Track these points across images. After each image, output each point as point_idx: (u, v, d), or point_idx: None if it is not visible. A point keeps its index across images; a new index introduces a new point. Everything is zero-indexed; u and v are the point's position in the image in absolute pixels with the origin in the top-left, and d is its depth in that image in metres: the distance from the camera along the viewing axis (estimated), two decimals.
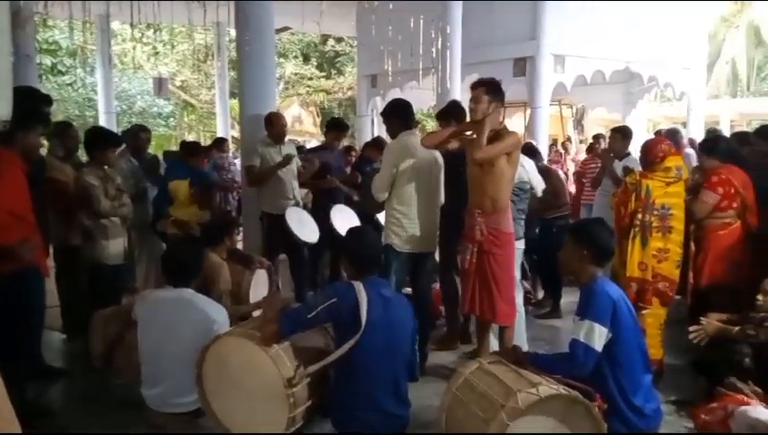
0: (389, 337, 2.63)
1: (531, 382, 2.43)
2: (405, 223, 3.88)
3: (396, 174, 3.84)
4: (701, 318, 3.27)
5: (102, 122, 10.90)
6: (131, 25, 11.66)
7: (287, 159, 4.88)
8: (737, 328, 3.14)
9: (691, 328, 3.21)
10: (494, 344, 3.79)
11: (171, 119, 20.37)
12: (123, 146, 5.07)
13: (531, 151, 4.90)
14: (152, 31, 16.72)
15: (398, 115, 4.04)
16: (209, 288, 3.32)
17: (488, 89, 3.60)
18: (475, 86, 3.65)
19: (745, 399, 2.92)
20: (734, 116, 19.70)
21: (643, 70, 9.56)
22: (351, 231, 3.03)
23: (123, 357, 3.18)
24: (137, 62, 17.71)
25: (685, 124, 11.23)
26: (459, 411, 2.57)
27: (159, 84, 12.29)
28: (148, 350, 2.88)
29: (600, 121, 16.09)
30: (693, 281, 4.15)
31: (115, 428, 3.19)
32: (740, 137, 4.92)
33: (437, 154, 4.06)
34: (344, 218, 5.01)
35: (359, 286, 2.62)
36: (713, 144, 4.32)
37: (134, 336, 2.98)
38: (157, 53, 18.22)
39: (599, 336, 2.47)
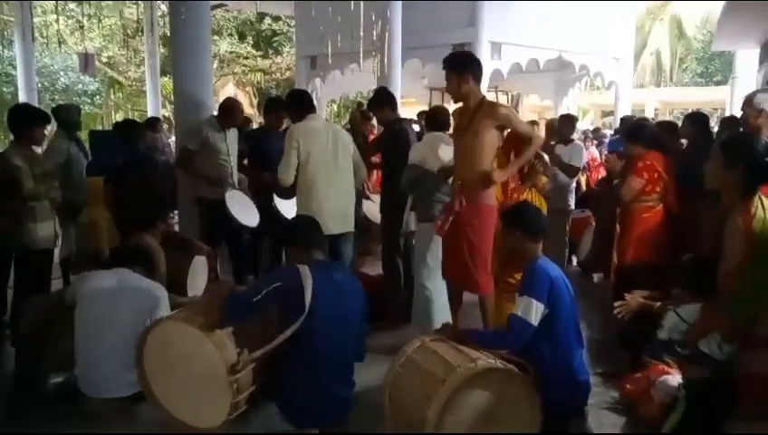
0: (337, 321, 2.65)
1: (470, 358, 2.53)
2: (313, 205, 3.86)
3: (299, 156, 3.83)
4: (625, 295, 3.47)
5: (23, 99, 10.23)
6: None
7: (219, 182, 4.65)
8: (658, 304, 3.36)
9: (616, 304, 3.40)
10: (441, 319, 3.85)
11: (97, 97, 19.39)
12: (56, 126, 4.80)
13: None
14: (75, 3, 15.81)
15: (296, 103, 4.07)
16: (151, 275, 3.23)
17: (454, 67, 3.48)
18: (444, 68, 3.53)
19: (666, 368, 3.15)
20: (658, 105, 20.80)
21: (575, 59, 9.94)
22: (290, 224, 3.05)
23: (55, 343, 3.06)
24: (60, 37, 16.68)
25: (612, 112, 11.74)
26: (402, 389, 2.65)
27: (86, 60, 11.60)
28: (86, 331, 2.80)
29: (533, 108, 16.59)
30: (617, 260, 4.39)
31: (48, 419, 3.07)
32: (668, 127, 5.20)
33: (345, 135, 4.07)
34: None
35: (304, 270, 2.62)
36: (638, 132, 4.55)
37: (65, 321, 2.88)
38: (81, 27, 17.22)
39: (535, 312, 2.59)
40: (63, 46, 17.78)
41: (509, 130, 3.59)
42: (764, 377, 2.44)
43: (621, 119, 8.66)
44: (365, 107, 6.08)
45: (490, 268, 3.65)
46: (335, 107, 20.20)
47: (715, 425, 2.53)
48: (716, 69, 25.11)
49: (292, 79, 15.78)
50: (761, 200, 2.38)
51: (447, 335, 2.81)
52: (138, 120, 7.96)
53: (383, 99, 4.57)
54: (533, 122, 8.33)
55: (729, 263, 2.36)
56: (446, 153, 3.98)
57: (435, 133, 4.27)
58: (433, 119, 4.41)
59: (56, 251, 4.63)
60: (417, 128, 5.85)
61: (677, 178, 4.17)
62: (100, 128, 16.28)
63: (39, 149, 4.53)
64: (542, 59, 9.45)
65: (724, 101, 14.82)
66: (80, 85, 18.13)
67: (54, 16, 15.71)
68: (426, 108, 11.18)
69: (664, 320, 2.74)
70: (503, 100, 13.71)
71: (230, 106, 4.88)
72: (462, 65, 3.50)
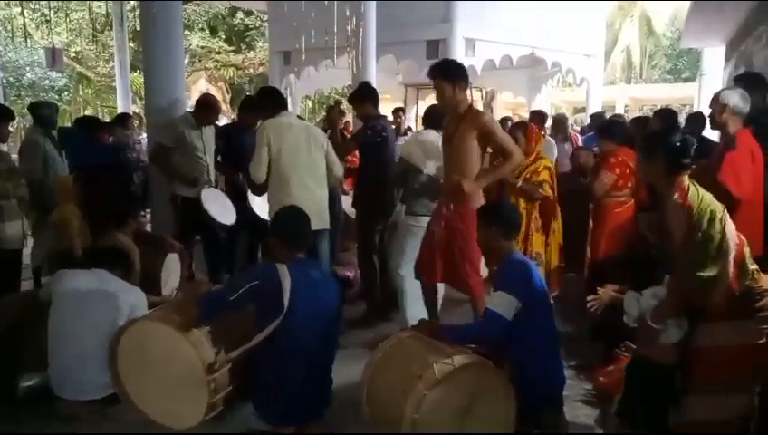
0: (314, 319, 2.64)
1: (446, 353, 2.55)
2: (286, 202, 3.74)
3: (270, 153, 3.80)
4: (598, 288, 3.53)
5: None
6: None
7: (194, 183, 4.58)
8: None
9: (589, 298, 3.45)
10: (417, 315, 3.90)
11: (65, 93, 18.97)
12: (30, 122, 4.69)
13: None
14: None
15: (267, 100, 4.01)
16: (127, 275, 3.17)
17: (443, 75, 3.44)
18: (431, 76, 3.49)
19: None
20: (629, 101, 21.14)
21: (547, 56, 10.05)
22: (281, 211, 3.00)
23: (26, 344, 3.00)
24: (25, 31, 16.23)
25: (584, 109, 11.91)
26: (379, 385, 2.66)
27: (53, 55, 11.31)
28: (60, 332, 2.74)
29: (507, 105, 16.72)
30: (590, 254, 4.47)
31: (21, 421, 2.99)
32: (640, 122, 5.30)
33: (318, 131, 4.04)
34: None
35: (282, 269, 2.60)
36: (610, 128, 4.63)
37: (41, 321, 2.82)
38: (48, 21, 16.80)
39: (509, 306, 2.62)
40: (29, 41, 17.33)
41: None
42: (716, 350, 2.53)
43: (591, 116, 8.80)
44: (343, 105, 6.06)
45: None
46: (310, 103, 20.09)
47: (659, 403, 2.61)
48: (685, 66, 25.64)
49: (266, 74, 15.63)
50: (692, 182, 2.51)
51: (424, 331, 2.82)
52: (99, 116, 7.77)
53: (365, 94, 4.55)
54: (506, 118, 8.43)
55: (677, 237, 2.46)
56: (433, 153, 4.03)
57: (426, 130, 4.29)
58: (430, 116, 4.40)
59: (26, 252, 4.54)
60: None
61: None
62: (69, 125, 15.94)
63: (5, 146, 4.42)
64: (515, 56, 9.54)
65: (693, 97, 15.13)
66: (47, 81, 17.73)
67: (19, 9, 15.31)
68: (401, 104, 11.21)
69: (625, 304, 2.79)
70: (476, 96, 13.82)
71: (208, 103, 4.82)
72: (456, 73, 3.48)
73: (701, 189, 2.50)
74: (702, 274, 2.42)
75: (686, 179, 2.50)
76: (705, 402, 2.59)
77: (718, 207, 2.47)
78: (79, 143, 5.23)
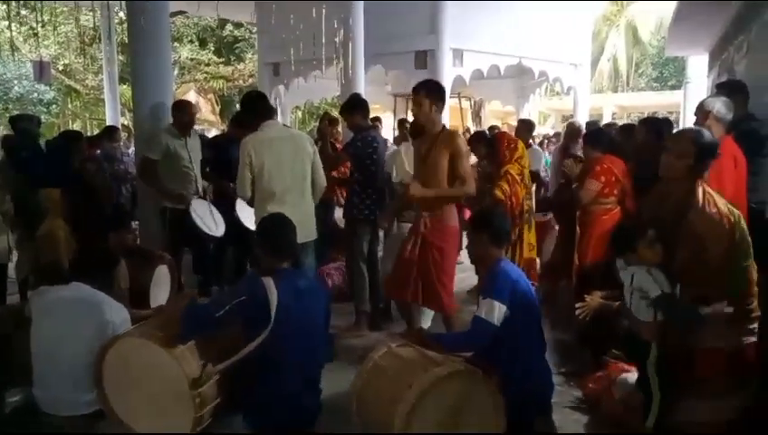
0: (302, 329, 2.63)
1: (435, 362, 2.56)
2: None
3: (253, 170, 3.77)
4: (585, 296, 3.55)
5: None
6: (5, 1, 10.60)
7: (181, 199, 4.60)
8: (617, 303, 3.44)
9: (577, 305, 3.48)
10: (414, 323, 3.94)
11: (54, 106, 18.87)
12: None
13: None
14: (29, 10, 15.35)
15: (249, 112, 4.00)
16: (110, 290, 3.15)
17: (427, 92, 3.62)
18: (415, 90, 3.67)
19: (625, 367, 3.23)
20: (616, 109, 21.34)
21: (534, 65, 10.15)
22: (265, 219, 2.99)
23: (12, 359, 2.97)
24: (12, 44, 16.18)
25: (572, 117, 12.01)
26: (369, 394, 2.66)
27: (41, 68, 11.28)
28: (43, 348, 2.71)
29: (496, 114, 16.84)
30: (578, 261, 4.49)
31: None
32: (626, 129, 5.35)
33: (303, 141, 3.98)
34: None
35: (268, 282, 2.59)
36: (596, 136, 4.68)
37: (23, 337, 2.79)
38: (36, 35, 16.74)
39: (498, 313, 2.64)
40: (17, 54, 17.26)
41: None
42: (715, 352, 2.57)
43: (586, 123, 8.86)
44: (332, 115, 6.07)
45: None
46: (300, 114, 20.11)
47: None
48: (671, 74, 25.90)
49: (255, 86, 15.64)
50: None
51: (413, 340, 2.83)
52: (88, 129, 7.72)
53: (355, 105, 4.58)
54: (494, 127, 8.49)
55: (716, 251, 2.52)
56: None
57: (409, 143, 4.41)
58: (417, 128, 4.45)
59: (11, 266, 4.50)
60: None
61: (635, 179, 4.30)
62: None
63: None
64: (502, 65, 9.62)
65: (679, 104, 15.30)
66: (35, 94, 17.60)
67: (6, 23, 15.26)
68: (390, 114, 11.26)
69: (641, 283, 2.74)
70: (465, 105, 13.91)
71: (178, 106, 4.79)
72: (437, 92, 3.66)
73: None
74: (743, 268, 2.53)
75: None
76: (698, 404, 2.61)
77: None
78: (62, 157, 5.16)
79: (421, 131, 4.18)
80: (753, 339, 2.65)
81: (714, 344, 2.57)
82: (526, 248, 4.68)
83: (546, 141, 10.60)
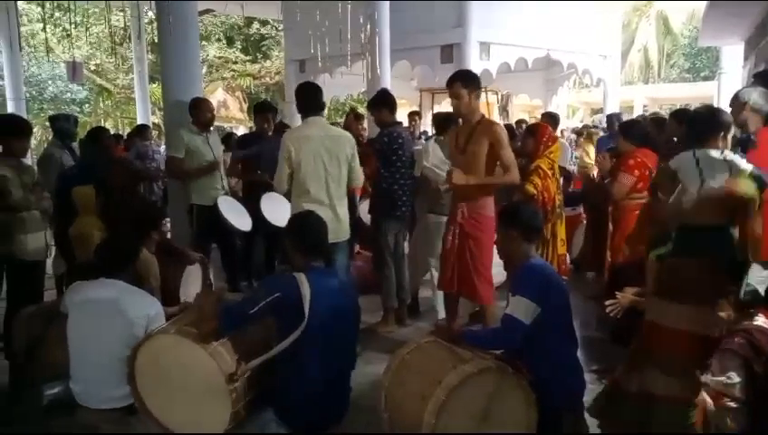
0: (334, 328, 2.62)
1: (464, 359, 2.54)
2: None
3: (291, 165, 3.81)
4: (617, 293, 3.49)
5: (11, 109, 10.19)
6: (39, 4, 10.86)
7: (211, 167, 4.79)
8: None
9: (608, 302, 3.42)
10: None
11: (86, 105, 19.31)
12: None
13: None
14: (62, 12, 15.72)
15: (299, 102, 3.97)
16: (140, 285, 3.21)
17: (464, 82, 3.60)
18: (450, 83, 3.64)
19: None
20: (647, 101, 20.92)
21: (563, 57, 9.99)
22: (296, 217, 2.99)
23: (48, 355, 3.04)
24: (47, 45, 16.59)
25: (602, 110, 11.81)
26: (398, 391, 2.65)
27: (73, 68, 11.55)
28: (78, 343, 2.77)
29: (523, 107, 16.65)
30: (610, 258, 4.42)
31: (44, 432, 3.04)
32: (657, 122, 5.23)
33: (343, 140, 3.98)
34: (275, 207, 4.93)
35: (301, 278, 2.59)
36: (629, 128, 4.58)
37: (59, 333, 2.86)
38: (68, 36, 17.13)
39: (528, 311, 2.60)
40: (51, 55, 17.71)
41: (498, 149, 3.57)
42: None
43: (607, 116, 8.72)
44: (358, 110, 6.11)
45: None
46: (326, 110, 20.20)
47: None
48: (703, 64, 25.26)
49: (282, 83, 15.76)
50: None
51: (442, 336, 2.81)
52: (119, 127, 7.87)
53: (382, 100, 4.59)
54: (521, 121, 8.40)
55: None
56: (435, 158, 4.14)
57: (436, 140, 4.61)
58: (443, 123, 4.58)
59: (49, 262, 4.61)
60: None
61: None
62: None
63: (28, 160, 4.51)
64: (530, 58, 9.50)
65: (712, 96, 14.91)
66: (68, 94, 18.04)
67: (41, 25, 15.64)
68: (416, 108, 11.21)
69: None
70: (492, 100, 13.79)
71: (194, 104, 4.86)
72: (473, 80, 3.64)
73: None
74: None
75: None
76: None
77: None
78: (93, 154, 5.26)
79: (447, 125, 4.17)
80: None
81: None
82: (559, 244, 4.61)
83: (578, 134, 10.37)
